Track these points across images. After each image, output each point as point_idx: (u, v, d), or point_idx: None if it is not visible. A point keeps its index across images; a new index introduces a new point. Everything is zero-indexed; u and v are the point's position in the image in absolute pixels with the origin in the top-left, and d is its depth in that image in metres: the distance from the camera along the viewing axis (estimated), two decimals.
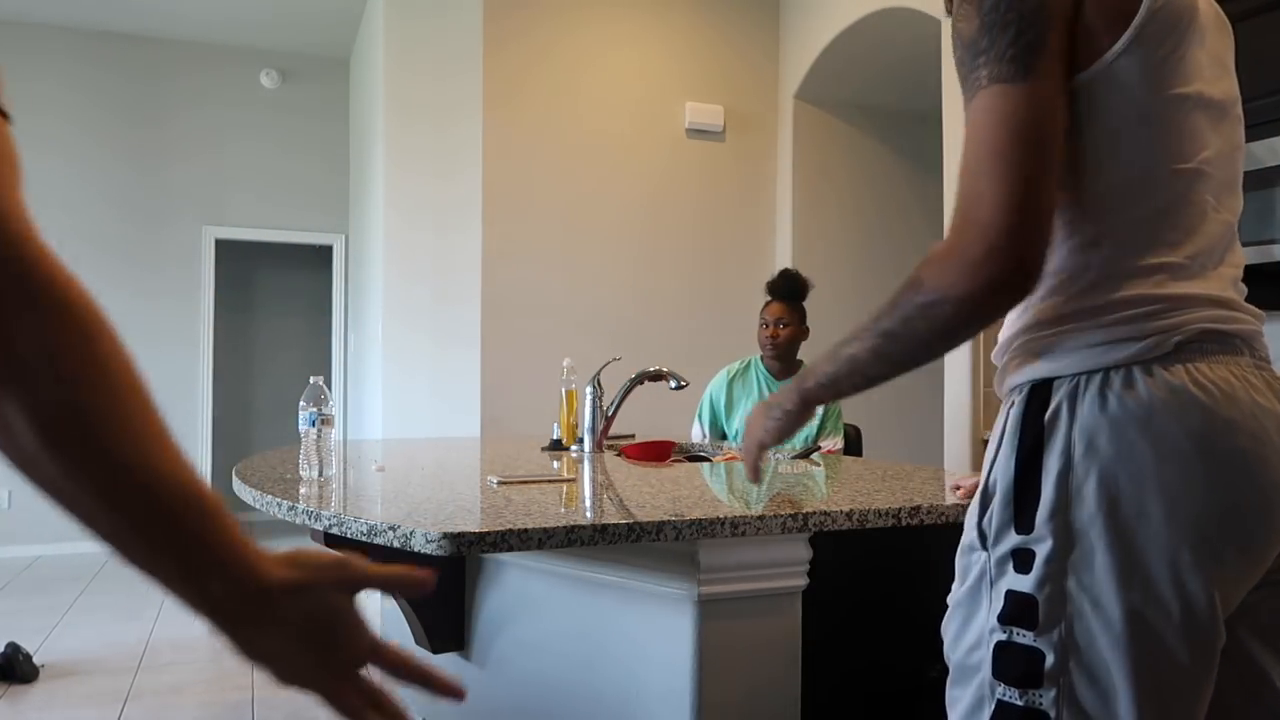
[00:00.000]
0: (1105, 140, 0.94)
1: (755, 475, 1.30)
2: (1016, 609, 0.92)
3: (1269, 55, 2.71)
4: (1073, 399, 0.92)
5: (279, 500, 1.51)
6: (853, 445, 3.24)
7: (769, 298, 3.20)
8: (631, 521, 1.27)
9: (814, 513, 1.37)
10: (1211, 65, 0.98)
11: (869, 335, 1.03)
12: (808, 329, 3.20)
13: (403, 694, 2.24)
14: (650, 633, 1.42)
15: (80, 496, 0.52)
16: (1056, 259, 0.97)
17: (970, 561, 0.99)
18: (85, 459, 0.51)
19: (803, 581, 1.42)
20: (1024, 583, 0.92)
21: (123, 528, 0.54)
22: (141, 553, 0.55)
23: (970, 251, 0.89)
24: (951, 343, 0.99)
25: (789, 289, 3.17)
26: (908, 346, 1.00)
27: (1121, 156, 0.94)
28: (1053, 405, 0.92)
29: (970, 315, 0.93)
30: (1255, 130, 2.79)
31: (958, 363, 3.51)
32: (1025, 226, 0.88)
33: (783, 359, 3.15)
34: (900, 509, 1.42)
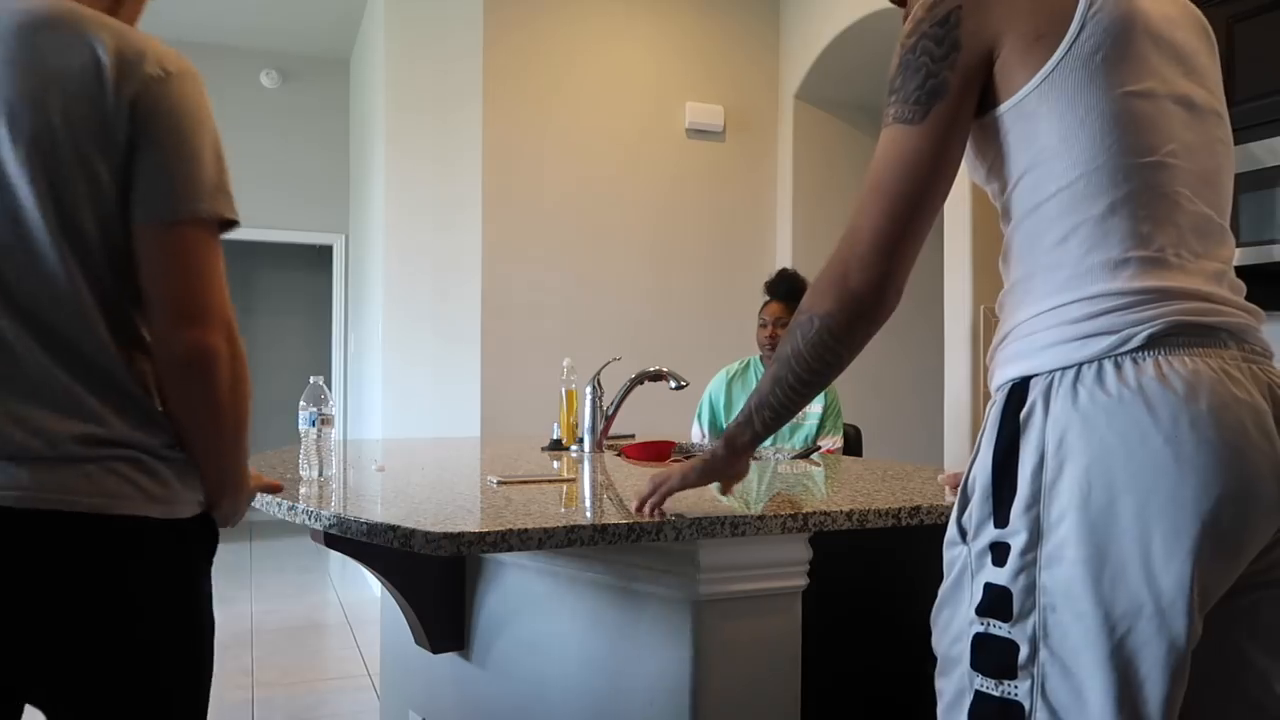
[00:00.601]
0: (1059, 145, 0.97)
1: (642, 505, 1.33)
2: (992, 601, 0.93)
3: (1269, 55, 2.70)
4: (1046, 396, 0.93)
5: (279, 500, 1.51)
6: (853, 445, 3.24)
7: (767, 298, 3.20)
8: (631, 521, 1.27)
9: (814, 513, 1.37)
10: (1171, 65, 1.00)
11: (773, 363, 1.16)
12: None
13: (404, 695, 2.24)
14: (650, 633, 1.42)
15: (217, 449, 1.14)
16: (1029, 261, 1.00)
17: (954, 555, 1.01)
18: (232, 436, 1.14)
19: (803, 581, 1.42)
20: (1000, 575, 0.93)
21: (223, 464, 1.15)
22: (218, 475, 1.16)
23: (834, 275, 1.06)
24: (823, 357, 1.10)
25: (787, 289, 3.15)
26: (791, 366, 1.13)
27: (1077, 156, 0.96)
28: (1028, 403, 0.94)
29: (833, 330, 1.08)
30: (1255, 130, 2.78)
31: (958, 362, 3.51)
32: (882, 258, 1.03)
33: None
34: (900, 509, 1.42)
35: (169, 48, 1.09)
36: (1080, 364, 0.92)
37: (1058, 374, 0.93)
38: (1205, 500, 0.86)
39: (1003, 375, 0.99)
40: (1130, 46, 0.96)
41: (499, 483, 1.71)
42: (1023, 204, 1.01)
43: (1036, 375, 0.95)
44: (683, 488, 1.31)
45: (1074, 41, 0.95)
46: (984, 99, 1.02)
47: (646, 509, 1.33)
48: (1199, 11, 1.08)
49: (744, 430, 1.22)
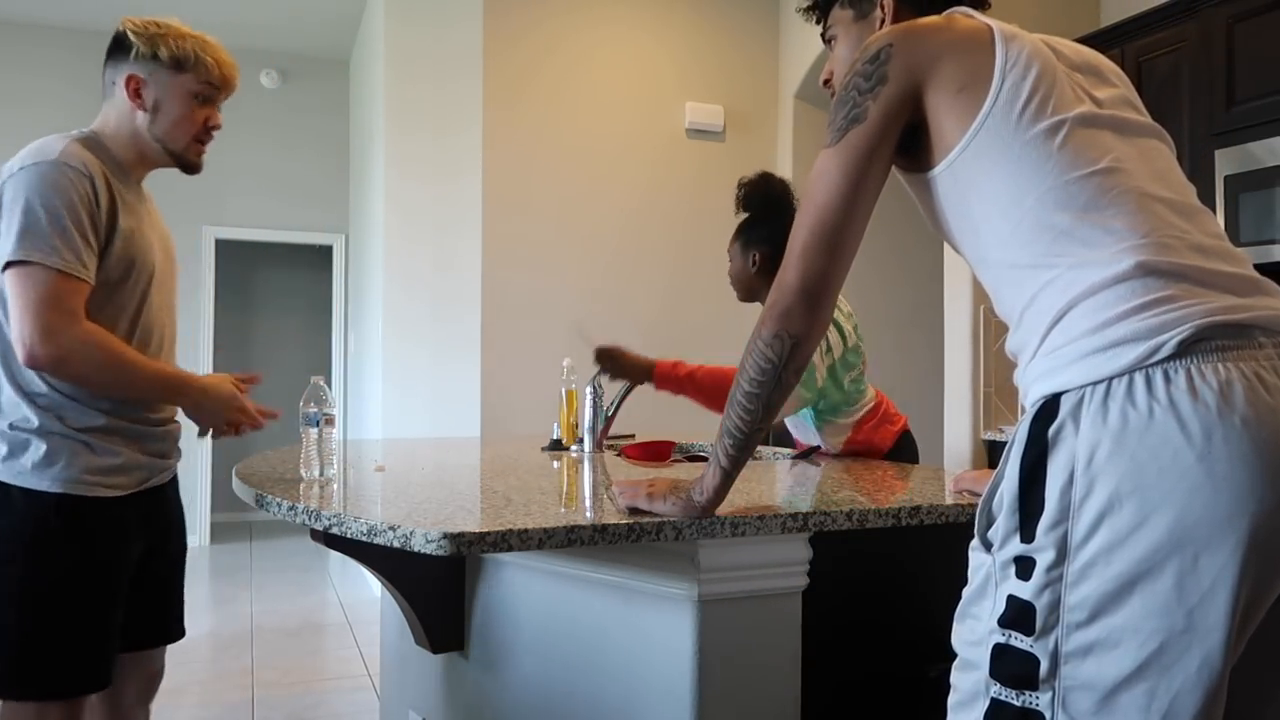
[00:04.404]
0: (1007, 182, 1.02)
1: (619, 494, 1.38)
2: (1015, 614, 0.92)
3: (1269, 55, 2.70)
4: (1076, 412, 0.92)
5: (279, 500, 1.51)
6: None
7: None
8: (631, 521, 1.27)
9: (814, 513, 1.37)
10: (1087, 99, 1.07)
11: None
12: (760, 253, 2.49)
13: (404, 695, 2.24)
14: (650, 633, 1.42)
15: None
16: (1023, 290, 1.02)
17: (979, 562, 1.00)
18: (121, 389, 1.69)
19: (803, 581, 1.42)
20: (1024, 590, 0.92)
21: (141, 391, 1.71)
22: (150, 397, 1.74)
23: (774, 295, 1.15)
24: (766, 371, 1.15)
25: (762, 200, 2.57)
26: (739, 388, 1.18)
27: (1026, 186, 1.01)
28: (1058, 419, 0.93)
29: (762, 335, 1.15)
30: (1255, 130, 2.78)
31: (958, 363, 3.51)
32: (810, 271, 1.12)
33: (749, 300, 2.58)
34: (900, 509, 1.42)
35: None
36: (1110, 378, 0.90)
37: (1088, 389, 0.91)
38: (1242, 519, 0.84)
39: (1036, 392, 0.98)
40: (1050, 89, 1.03)
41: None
42: (992, 244, 1.05)
43: (1067, 391, 0.93)
44: (650, 511, 1.32)
45: (996, 96, 1.02)
46: (921, 154, 1.09)
47: (619, 498, 1.36)
48: (1097, 53, 1.16)
49: (711, 470, 1.24)
